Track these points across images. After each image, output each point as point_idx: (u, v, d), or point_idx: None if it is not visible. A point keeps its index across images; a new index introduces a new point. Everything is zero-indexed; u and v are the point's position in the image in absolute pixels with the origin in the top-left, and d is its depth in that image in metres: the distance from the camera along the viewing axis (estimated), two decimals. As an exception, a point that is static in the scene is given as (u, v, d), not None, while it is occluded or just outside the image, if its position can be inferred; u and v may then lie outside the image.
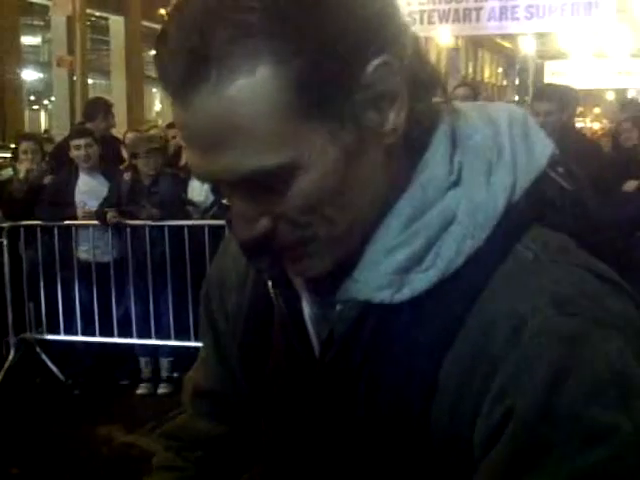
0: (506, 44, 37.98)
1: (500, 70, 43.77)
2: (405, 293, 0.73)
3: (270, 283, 0.85)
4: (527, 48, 32.81)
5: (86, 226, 5.36)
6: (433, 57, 34.63)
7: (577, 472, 0.65)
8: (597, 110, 39.51)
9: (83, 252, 5.44)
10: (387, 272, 0.74)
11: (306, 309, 0.83)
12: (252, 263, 0.85)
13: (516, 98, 28.59)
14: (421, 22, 10.68)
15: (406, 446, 0.75)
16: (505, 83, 42.09)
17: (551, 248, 0.73)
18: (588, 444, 0.65)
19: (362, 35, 0.68)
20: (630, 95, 22.34)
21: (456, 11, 10.60)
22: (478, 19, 10.61)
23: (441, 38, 19.13)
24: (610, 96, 33.90)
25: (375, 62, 0.69)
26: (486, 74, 41.78)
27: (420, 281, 0.73)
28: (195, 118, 0.69)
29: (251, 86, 0.66)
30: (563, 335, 0.67)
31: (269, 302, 0.86)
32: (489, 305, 0.71)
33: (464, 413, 0.71)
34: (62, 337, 5.55)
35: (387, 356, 0.76)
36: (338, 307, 0.78)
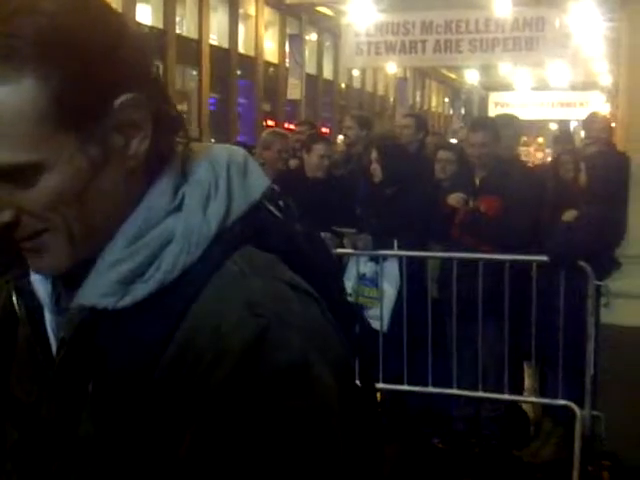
0: (452, 75, 38.67)
1: (447, 100, 44.51)
2: (127, 300, 0.86)
3: (14, 294, 0.97)
4: (471, 79, 33.47)
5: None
6: (382, 86, 35.03)
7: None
8: (541, 140, 40.33)
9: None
10: (111, 282, 0.86)
11: (48, 317, 0.95)
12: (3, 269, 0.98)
13: (462, 125, 29.08)
14: (368, 53, 10.87)
15: (132, 444, 0.85)
16: (451, 112, 42.80)
17: (255, 264, 0.88)
18: (264, 424, 0.80)
19: (112, 73, 0.85)
20: (572, 126, 22.90)
21: (402, 43, 10.81)
22: (424, 51, 10.82)
23: (389, 68, 19.42)
24: (553, 127, 34.66)
25: (123, 97, 0.85)
26: (433, 103, 42.44)
27: (141, 290, 0.86)
28: None
29: (14, 93, 0.81)
30: (251, 333, 0.82)
31: (12, 324, 0.98)
32: (200, 308, 0.85)
33: (174, 402, 0.84)
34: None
35: (114, 357, 0.87)
36: (69, 314, 0.90)
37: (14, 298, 0.97)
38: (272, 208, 0.95)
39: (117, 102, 0.85)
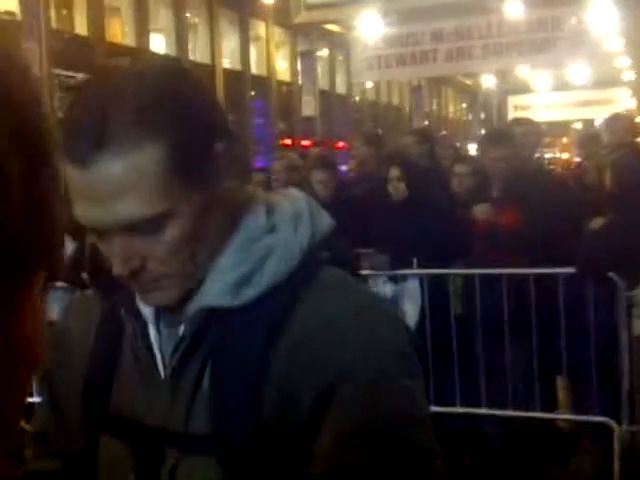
0: (467, 82, 38.44)
1: (464, 105, 44.28)
2: (240, 299, 1.01)
3: (124, 312, 1.08)
4: (488, 84, 33.23)
5: (55, 287, 5.22)
6: (397, 96, 34.93)
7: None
8: (565, 140, 39.83)
9: (55, 314, 5.28)
10: (226, 284, 1.02)
11: (152, 333, 1.08)
12: (107, 296, 1.12)
13: (483, 132, 28.87)
14: (379, 67, 10.72)
15: (245, 438, 0.98)
16: (470, 117, 42.57)
17: (339, 278, 1.07)
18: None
19: (207, 124, 1.01)
20: (598, 124, 22.58)
21: (413, 54, 10.64)
22: (435, 60, 10.66)
23: (402, 79, 19.35)
24: (578, 126, 34.20)
25: (220, 144, 1.02)
26: (450, 110, 42.24)
27: (250, 292, 1.02)
28: (95, 178, 0.95)
29: (139, 158, 0.95)
30: (362, 336, 1.00)
31: (114, 342, 1.11)
32: (304, 308, 1.01)
33: (289, 396, 0.97)
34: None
35: (225, 354, 1.01)
36: (185, 318, 1.03)
37: (124, 315, 1.08)
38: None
39: (216, 150, 1.01)
